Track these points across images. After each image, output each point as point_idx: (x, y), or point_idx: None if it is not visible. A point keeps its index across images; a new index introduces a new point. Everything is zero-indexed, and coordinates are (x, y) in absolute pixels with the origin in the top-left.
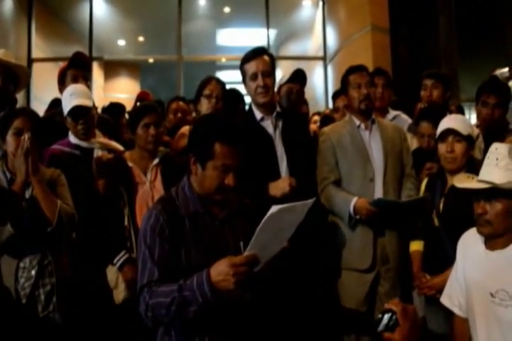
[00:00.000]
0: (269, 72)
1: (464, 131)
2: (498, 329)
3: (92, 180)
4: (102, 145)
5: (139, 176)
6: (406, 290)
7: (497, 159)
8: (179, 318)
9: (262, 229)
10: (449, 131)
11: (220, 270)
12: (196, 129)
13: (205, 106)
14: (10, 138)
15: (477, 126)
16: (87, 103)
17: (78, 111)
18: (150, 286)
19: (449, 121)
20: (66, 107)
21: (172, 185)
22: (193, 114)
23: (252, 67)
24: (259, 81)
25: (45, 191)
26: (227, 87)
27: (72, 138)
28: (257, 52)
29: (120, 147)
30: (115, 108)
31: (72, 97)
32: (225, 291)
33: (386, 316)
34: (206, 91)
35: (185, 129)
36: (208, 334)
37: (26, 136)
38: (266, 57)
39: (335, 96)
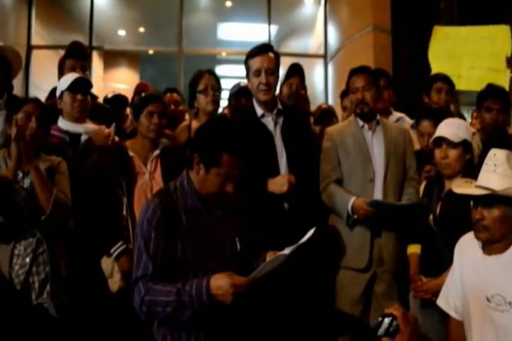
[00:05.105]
0: (273, 70)
1: (455, 138)
2: (493, 333)
3: (80, 166)
4: (89, 130)
5: (139, 166)
6: (402, 292)
7: (495, 165)
8: (173, 319)
9: (270, 262)
10: (442, 138)
11: (221, 285)
12: (205, 133)
13: (203, 102)
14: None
15: (478, 130)
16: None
17: (80, 84)
18: (145, 280)
19: (442, 128)
20: (64, 84)
21: (171, 177)
22: (187, 116)
23: (256, 63)
24: (262, 78)
25: (41, 178)
26: (228, 81)
27: (62, 124)
28: (262, 49)
29: (107, 130)
30: (118, 99)
31: (71, 75)
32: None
33: (387, 320)
34: (201, 86)
35: (186, 124)
36: (204, 327)
37: (15, 121)
38: (271, 55)
39: (343, 95)
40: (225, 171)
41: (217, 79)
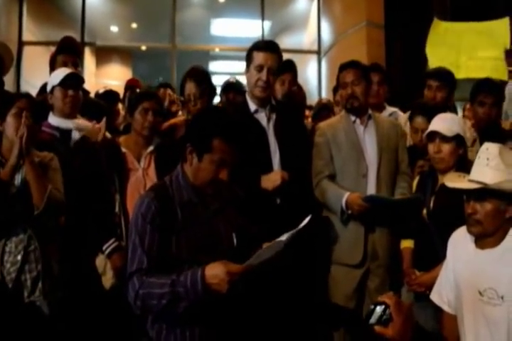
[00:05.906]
0: (274, 70)
1: (449, 132)
2: (486, 327)
3: (71, 162)
4: (80, 126)
5: (132, 163)
6: (395, 286)
7: (487, 159)
8: (168, 311)
9: (267, 249)
10: (435, 133)
11: (216, 273)
12: (198, 121)
13: (190, 106)
14: (10, 118)
15: (472, 125)
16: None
17: (71, 79)
18: (140, 274)
19: (435, 123)
20: (55, 79)
21: (165, 173)
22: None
23: (261, 58)
24: (263, 75)
25: (36, 174)
26: (221, 77)
27: (52, 120)
28: (271, 47)
29: (97, 125)
30: (109, 95)
31: (62, 70)
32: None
33: (379, 308)
34: (186, 96)
35: (181, 120)
36: (199, 323)
37: (24, 118)
38: (277, 56)
39: (335, 90)
40: (218, 157)
41: (199, 83)
